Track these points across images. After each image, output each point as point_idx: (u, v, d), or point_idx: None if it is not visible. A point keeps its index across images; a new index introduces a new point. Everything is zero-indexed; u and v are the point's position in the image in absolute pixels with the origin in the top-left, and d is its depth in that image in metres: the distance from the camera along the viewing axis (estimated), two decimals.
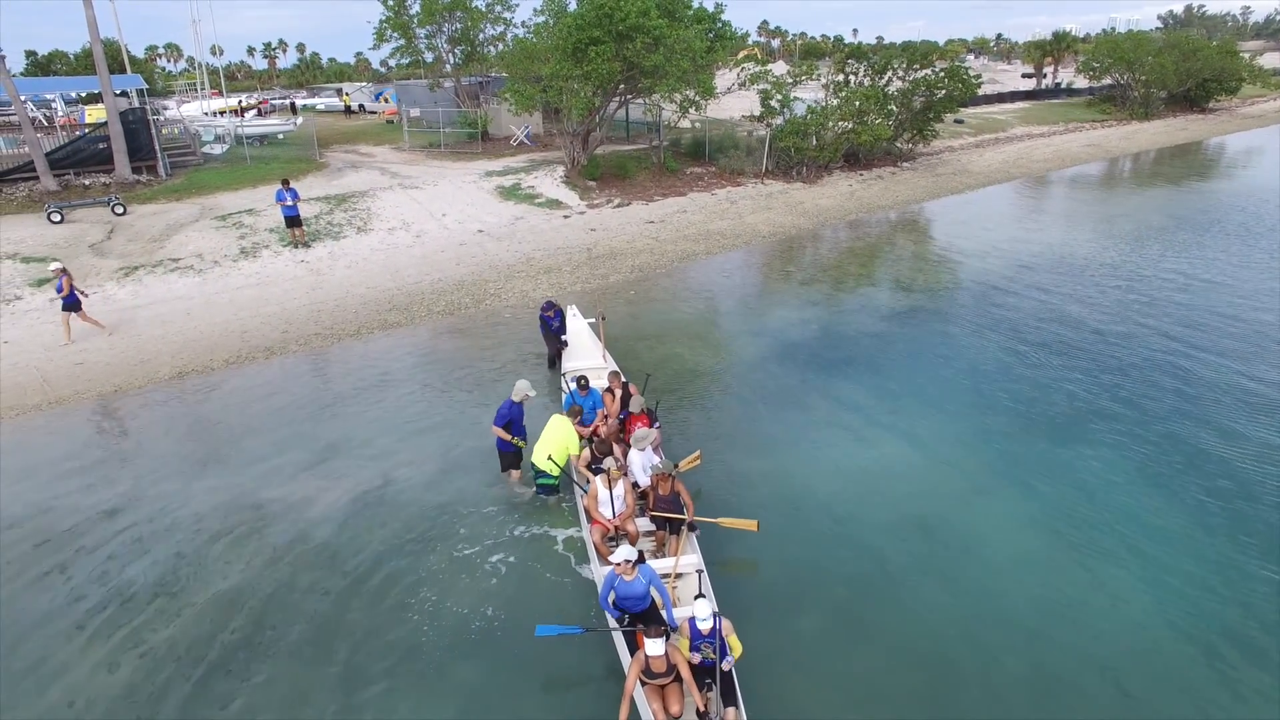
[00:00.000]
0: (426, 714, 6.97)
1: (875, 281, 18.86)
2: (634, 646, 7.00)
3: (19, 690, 7.27)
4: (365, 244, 19.73)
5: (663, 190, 25.79)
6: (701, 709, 6.29)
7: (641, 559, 7.25)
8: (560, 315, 13.42)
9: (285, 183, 19.12)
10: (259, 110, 37.55)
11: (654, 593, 7.31)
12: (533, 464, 9.72)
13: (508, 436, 9.93)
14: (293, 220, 19.30)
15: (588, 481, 9.14)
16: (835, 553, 9.03)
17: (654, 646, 6.28)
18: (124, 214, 21.42)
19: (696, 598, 6.83)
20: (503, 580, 8.66)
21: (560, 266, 18.73)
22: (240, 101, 42.37)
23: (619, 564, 7.09)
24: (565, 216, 22.13)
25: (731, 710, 6.30)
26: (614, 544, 8.68)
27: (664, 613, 7.31)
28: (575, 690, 7.27)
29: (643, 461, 9.41)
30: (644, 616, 7.27)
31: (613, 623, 7.37)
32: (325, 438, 11.69)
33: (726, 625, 6.68)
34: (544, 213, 22.29)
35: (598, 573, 8.36)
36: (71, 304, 14.86)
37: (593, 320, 13.97)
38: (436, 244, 19.94)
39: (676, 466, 9.41)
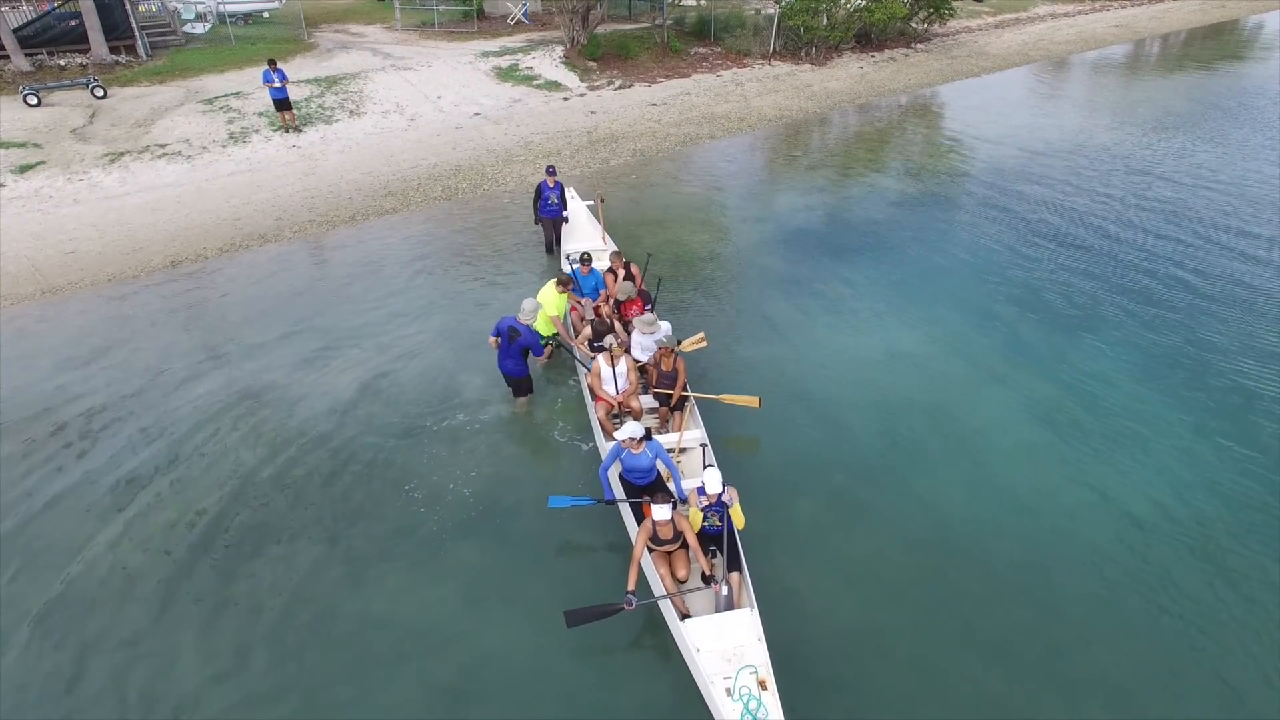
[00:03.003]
0: (432, 590, 7.14)
1: (883, 168, 18.27)
2: (641, 519, 7.13)
3: (34, 568, 7.45)
4: (358, 128, 19.03)
5: (666, 71, 24.69)
6: (707, 573, 6.43)
7: (649, 435, 7.29)
8: (561, 188, 12.95)
9: (272, 63, 18.14)
10: None
11: (660, 466, 7.43)
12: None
13: (493, 342, 9.18)
14: (282, 103, 18.51)
15: (590, 360, 9.11)
16: (836, 436, 9.06)
17: (661, 512, 6.40)
18: (104, 97, 20.59)
19: (707, 467, 6.92)
20: (506, 461, 8.73)
21: (559, 150, 18.12)
22: None
23: (626, 440, 7.12)
24: (565, 99, 21.27)
25: (735, 575, 6.45)
26: (618, 421, 8.75)
27: (671, 485, 7.39)
28: (582, 561, 7.44)
29: (644, 342, 9.36)
30: (649, 489, 7.36)
31: (620, 494, 7.48)
32: (323, 325, 11.58)
33: (732, 493, 6.78)
34: (543, 95, 21.41)
35: (603, 449, 8.47)
36: None
37: (591, 202, 13.59)
38: (432, 128, 19.23)
39: (679, 344, 9.37)
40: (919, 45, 31.70)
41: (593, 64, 23.75)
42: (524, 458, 8.84)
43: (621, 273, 10.75)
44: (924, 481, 8.32)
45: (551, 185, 12.73)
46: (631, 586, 6.20)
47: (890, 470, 8.50)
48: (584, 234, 13.27)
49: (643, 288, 10.82)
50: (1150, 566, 7.23)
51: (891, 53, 30.13)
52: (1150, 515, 7.81)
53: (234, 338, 11.31)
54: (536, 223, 13.18)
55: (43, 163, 16.96)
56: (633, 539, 7.08)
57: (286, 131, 18.75)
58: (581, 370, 9.46)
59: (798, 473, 8.48)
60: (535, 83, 22.14)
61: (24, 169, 16.67)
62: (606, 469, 7.51)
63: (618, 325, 9.94)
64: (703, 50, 27.35)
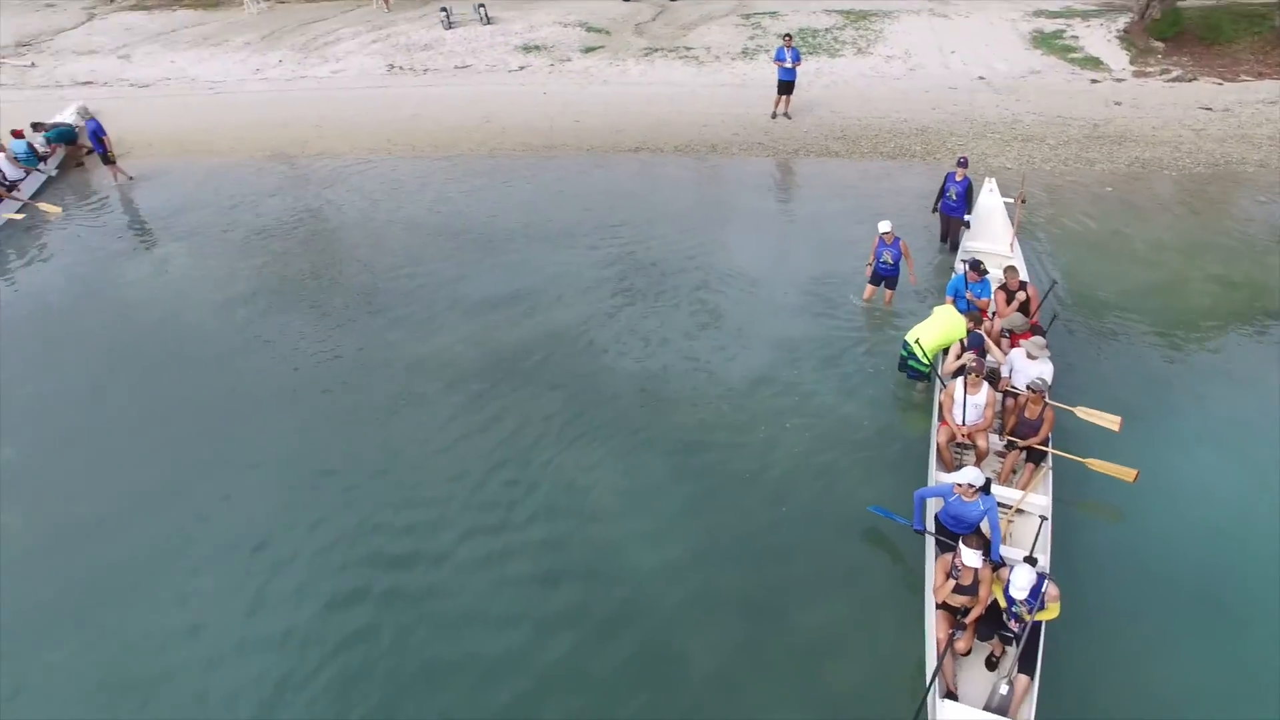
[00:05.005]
0: (752, 579, 7.59)
1: None
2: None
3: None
4: (853, 67, 19.23)
5: (1266, 68, 19.28)
6: (996, 656, 6.12)
7: (987, 487, 6.86)
8: (968, 185, 11.71)
9: (787, 38, 16.63)
10: None
11: (985, 524, 6.89)
12: (904, 340, 9.36)
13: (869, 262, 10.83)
14: (786, 86, 16.88)
15: (948, 378, 8.61)
16: (1225, 558, 7.41)
17: (971, 557, 6.06)
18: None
19: (1026, 559, 6.37)
20: (834, 447, 8.88)
21: (1044, 137, 15.99)
22: None
23: (960, 485, 6.80)
24: (1093, 81, 18.30)
25: (1024, 678, 5.79)
26: (959, 452, 8.29)
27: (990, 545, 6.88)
28: (871, 576, 7.50)
29: (1025, 368, 8.53)
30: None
31: (932, 526, 7.25)
32: (727, 245, 12.95)
33: (1052, 590, 6.05)
34: (1069, 71, 18.72)
35: (933, 472, 8.10)
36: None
37: (1010, 200, 12.04)
38: (925, 82, 18.48)
39: (1078, 409, 8.29)
40: None
41: (1159, 44, 19.63)
42: (849, 441, 8.91)
43: (1017, 292, 9.62)
44: None
45: (959, 179, 11.61)
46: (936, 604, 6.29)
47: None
48: (990, 233, 11.97)
49: (1036, 320, 9.61)
50: None
51: None
52: None
53: (647, 226, 13.46)
54: (933, 212, 12.28)
55: (602, 47, 20.93)
56: (927, 578, 6.86)
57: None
58: (938, 384, 8.92)
59: (1155, 578, 7.23)
60: (1071, 55, 19.36)
61: (588, 50, 20.82)
62: (925, 496, 7.27)
63: (994, 349, 9.04)
64: None
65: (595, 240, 13.09)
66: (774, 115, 17.16)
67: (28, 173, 15.80)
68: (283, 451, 9.19)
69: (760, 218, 13.94)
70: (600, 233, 13.30)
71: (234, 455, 9.19)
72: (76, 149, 17.04)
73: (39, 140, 16.46)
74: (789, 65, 16.39)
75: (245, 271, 12.88)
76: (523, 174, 15.58)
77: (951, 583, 6.29)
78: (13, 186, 15.24)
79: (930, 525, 7.26)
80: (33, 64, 22.08)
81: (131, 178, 16.18)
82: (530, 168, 15.81)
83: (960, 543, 6.24)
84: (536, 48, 21.14)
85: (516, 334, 10.89)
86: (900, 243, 10.56)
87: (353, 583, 7.53)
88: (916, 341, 9.02)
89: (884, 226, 10.55)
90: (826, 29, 21.08)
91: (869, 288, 11.07)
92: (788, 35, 16.92)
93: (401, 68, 20.71)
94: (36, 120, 16.89)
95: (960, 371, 8.43)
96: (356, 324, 11.36)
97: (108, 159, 15.81)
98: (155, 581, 7.72)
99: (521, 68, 20.30)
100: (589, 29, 21.98)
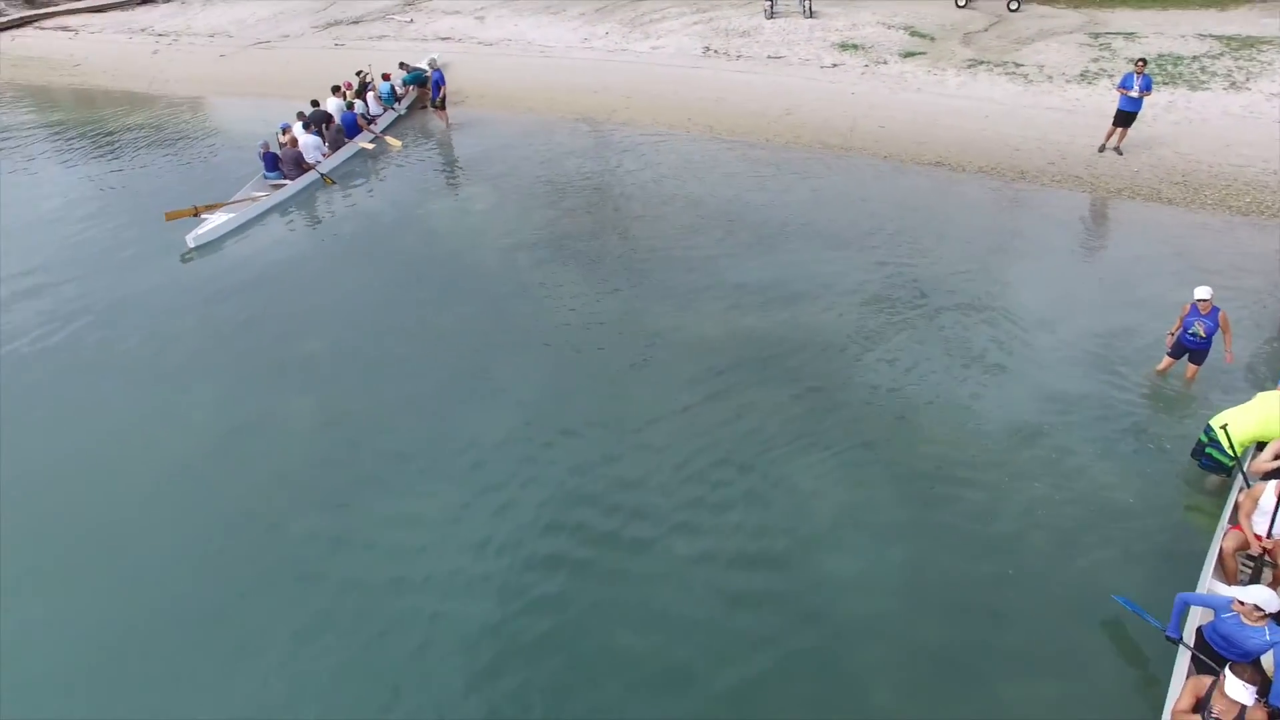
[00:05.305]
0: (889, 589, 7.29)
1: None
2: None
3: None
4: (1218, 103, 16.42)
5: None
6: None
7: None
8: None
9: (1140, 64, 14.54)
10: None
11: (1266, 659, 5.85)
12: (1208, 425, 8.06)
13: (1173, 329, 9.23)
14: (1126, 118, 14.92)
15: (1256, 478, 7.30)
16: None
17: (1238, 690, 5.22)
18: (1017, 10, 22.22)
19: None
20: (1090, 525, 7.83)
21: None
22: None
23: (1243, 604, 5.76)
24: None
25: None
26: (1248, 564, 7.01)
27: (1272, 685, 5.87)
28: (1098, 670, 6.62)
29: None
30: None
31: (1191, 639, 6.27)
32: (1017, 279, 11.89)
33: None
34: None
35: (1206, 579, 6.88)
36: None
37: None
38: None
39: None
40: None
41: None
42: (1109, 521, 7.82)
43: None
44: None
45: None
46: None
47: None
48: None
49: None
50: None
51: None
52: None
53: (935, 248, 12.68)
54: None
55: (923, 54, 19.97)
56: (1170, 695, 5.90)
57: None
58: (1239, 481, 7.60)
59: None
60: None
61: (907, 55, 19.95)
62: (1190, 602, 6.28)
63: None
64: None
65: (875, 250, 12.61)
66: (1102, 148, 15.30)
67: (384, 110, 18.80)
68: (524, 398, 9.83)
69: (1059, 257, 12.47)
70: (882, 243, 12.78)
71: (480, 390, 10.03)
72: (424, 93, 19.76)
73: (398, 82, 19.43)
74: (1135, 95, 14.47)
75: (534, 222, 14.14)
76: (814, 171, 15.43)
77: (1200, 715, 5.36)
78: (372, 120, 18.24)
79: (1189, 637, 6.19)
80: (411, 20, 25.75)
81: (450, 123, 18.60)
82: (823, 165, 15.62)
83: (1227, 669, 5.28)
84: (854, 46, 20.67)
85: (774, 330, 10.81)
86: (1219, 313, 8.88)
87: (552, 546, 7.78)
88: (1224, 428, 7.62)
89: (1201, 293, 8.87)
90: (1194, 56, 18.23)
91: (1166, 359, 9.47)
92: (1141, 60, 14.92)
93: (716, 51, 21.30)
94: (403, 61, 20.20)
95: (1277, 474, 6.99)
96: (622, 289, 11.97)
97: (438, 105, 18.39)
98: (376, 494, 8.53)
99: (834, 65, 19.97)
100: (913, 33, 21.05)
